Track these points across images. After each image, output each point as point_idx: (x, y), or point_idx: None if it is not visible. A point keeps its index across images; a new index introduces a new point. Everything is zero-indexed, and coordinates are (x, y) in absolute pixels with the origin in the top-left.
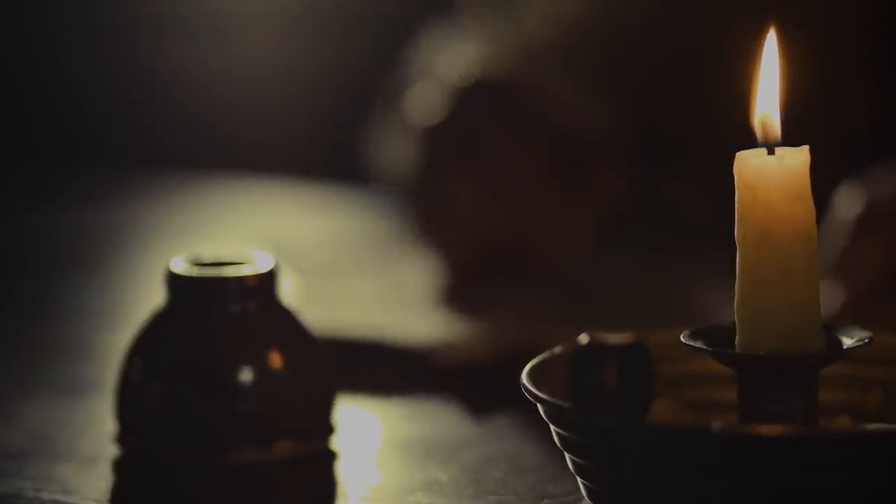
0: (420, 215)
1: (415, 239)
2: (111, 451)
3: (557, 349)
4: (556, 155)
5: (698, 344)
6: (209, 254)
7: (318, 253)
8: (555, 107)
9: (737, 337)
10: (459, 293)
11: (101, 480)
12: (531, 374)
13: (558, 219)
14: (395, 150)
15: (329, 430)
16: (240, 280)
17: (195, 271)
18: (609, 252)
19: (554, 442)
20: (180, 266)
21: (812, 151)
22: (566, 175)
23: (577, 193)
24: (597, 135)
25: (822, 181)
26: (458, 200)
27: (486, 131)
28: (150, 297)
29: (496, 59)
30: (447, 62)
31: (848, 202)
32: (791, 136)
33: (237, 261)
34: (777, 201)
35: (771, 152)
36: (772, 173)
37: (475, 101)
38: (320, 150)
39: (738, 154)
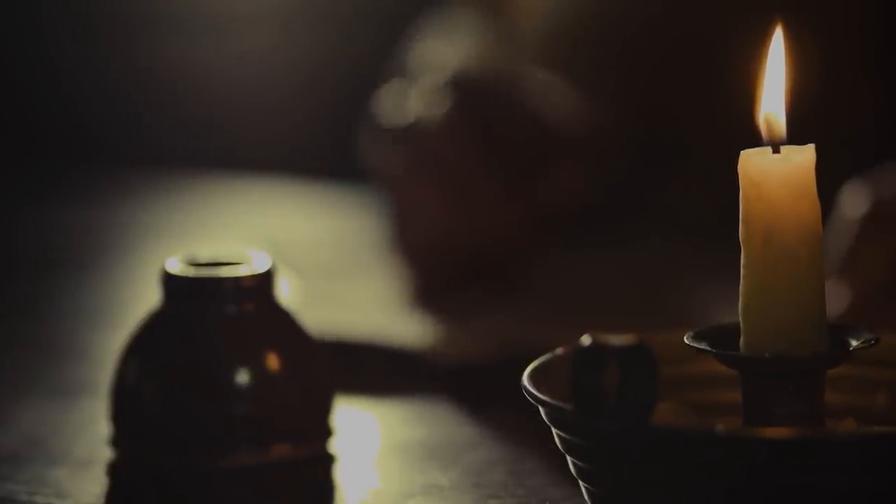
0: (389, 218)
1: (386, 243)
2: (106, 454)
3: (559, 351)
4: (504, 154)
5: (702, 345)
6: (205, 254)
7: (316, 253)
8: (522, 104)
9: (741, 338)
10: (433, 298)
11: (95, 484)
12: (532, 376)
13: (500, 219)
14: (372, 150)
15: (327, 432)
16: (236, 280)
17: (191, 271)
18: (611, 251)
19: (555, 445)
20: (176, 266)
21: (817, 150)
22: (512, 175)
23: (520, 193)
24: (570, 132)
25: (828, 180)
26: (413, 202)
27: (435, 129)
28: (146, 298)
29: (479, 56)
30: (424, 60)
31: (853, 201)
32: (796, 135)
33: (234, 261)
34: (782, 200)
35: (776, 151)
36: (777, 172)
37: (438, 99)
38: (319, 149)
39: (742, 152)
